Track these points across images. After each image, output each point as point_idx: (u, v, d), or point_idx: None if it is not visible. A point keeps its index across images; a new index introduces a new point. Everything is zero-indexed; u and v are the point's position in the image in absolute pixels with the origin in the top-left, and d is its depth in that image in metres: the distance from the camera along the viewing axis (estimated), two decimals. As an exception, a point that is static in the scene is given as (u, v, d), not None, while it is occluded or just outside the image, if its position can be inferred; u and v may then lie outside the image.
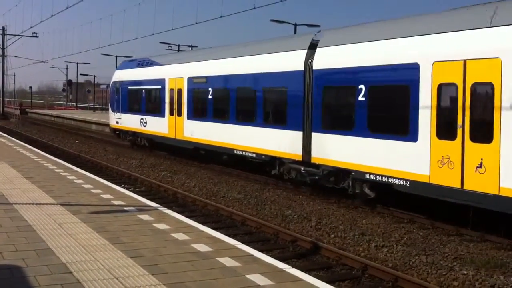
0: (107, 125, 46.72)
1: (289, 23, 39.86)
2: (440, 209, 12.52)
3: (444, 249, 10.37)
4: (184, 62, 22.58)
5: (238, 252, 7.70)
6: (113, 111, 29.06)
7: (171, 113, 22.66)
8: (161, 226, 9.09)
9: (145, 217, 9.74)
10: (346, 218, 12.89)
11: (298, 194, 15.84)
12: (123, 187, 14.50)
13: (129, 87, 26.83)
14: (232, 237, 9.65)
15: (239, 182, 17.95)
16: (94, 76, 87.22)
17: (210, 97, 19.74)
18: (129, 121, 26.85)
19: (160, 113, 23.55)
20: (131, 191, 14.27)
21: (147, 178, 18.72)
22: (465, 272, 8.86)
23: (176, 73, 22.56)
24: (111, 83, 30.00)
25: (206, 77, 20.10)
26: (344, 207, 14.25)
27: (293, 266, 7.99)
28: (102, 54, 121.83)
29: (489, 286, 8.28)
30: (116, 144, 30.78)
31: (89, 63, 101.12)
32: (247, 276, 6.61)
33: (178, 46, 60.36)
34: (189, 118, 21.28)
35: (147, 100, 24.95)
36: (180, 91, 21.94)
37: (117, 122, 28.38)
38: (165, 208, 10.81)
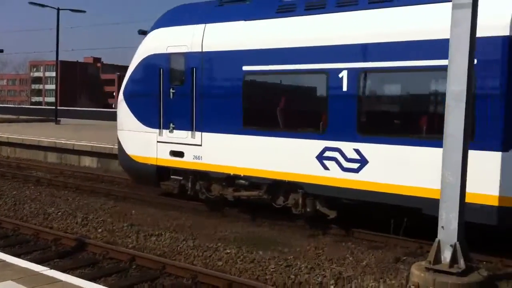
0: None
1: (51, 7, 37.14)
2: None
3: (209, 231, 10.79)
4: None
5: (-15, 259, 6.82)
6: (149, 125, 12.20)
7: None
8: None
9: None
10: (114, 210, 12.53)
11: (63, 190, 14.86)
12: None
13: (251, 69, 10.59)
14: (-19, 244, 8.57)
15: (-7, 181, 16.09)
16: None
17: None
18: (246, 154, 10.68)
19: None
20: None
21: None
22: (229, 251, 9.33)
23: None
24: (139, 60, 12.47)
25: None
26: (113, 199, 13.83)
27: (54, 267, 7.45)
28: None
29: (250, 261, 8.85)
30: None
31: None
32: (-6, 285, 5.87)
33: None
34: None
35: (395, 104, 9.50)
36: None
37: (180, 155, 11.72)
38: None
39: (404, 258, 9.04)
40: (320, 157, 9.73)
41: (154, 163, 12.15)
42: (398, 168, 8.95)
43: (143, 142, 12.30)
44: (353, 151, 9.33)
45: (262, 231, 10.83)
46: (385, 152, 9.06)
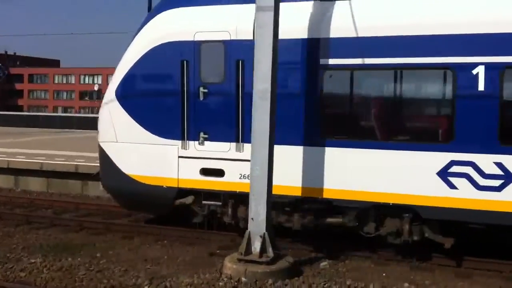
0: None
1: None
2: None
3: (12, 240, 9.84)
4: None
5: None
6: (164, 135, 9.49)
7: None
8: None
9: None
10: None
11: None
12: None
13: (336, 63, 8.46)
14: None
15: None
16: None
17: None
18: (327, 172, 8.55)
19: None
20: None
21: None
22: (33, 261, 8.57)
23: None
24: (145, 49, 9.60)
25: None
26: None
27: None
28: None
29: (57, 269, 8.23)
30: None
31: None
32: None
33: None
34: None
35: None
36: None
37: (217, 174, 9.22)
38: None
39: (218, 251, 9.24)
40: (444, 174, 7.97)
41: (173, 185, 9.41)
42: None
43: (154, 157, 9.49)
44: (494, 165, 7.71)
45: (73, 236, 10.21)
46: None
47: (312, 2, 8.62)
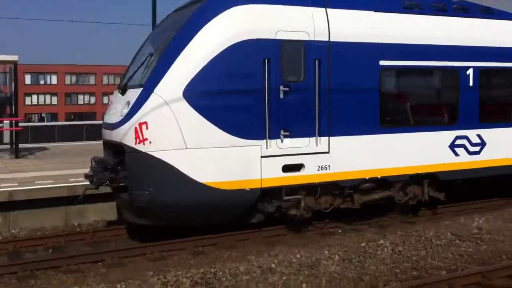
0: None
1: None
2: None
3: None
4: None
5: None
6: (247, 136, 9.37)
7: None
8: None
9: None
10: None
11: None
12: None
13: (389, 64, 10.60)
14: None
15: None
16: None
17: None
18: (383, 154, 10.59)
19: None
20: None
21: None
22: None
23: None
24: (223, 46, 9.20)
25: None
26: None
27: None
28: None
29: None
30: None
31: None
32: None
33: None
34: None
35: None
36: None
37: (296, 169, 9.87)
38: None
39: None
40: (452, 146, 11.17)
41: (256, 186, 9.41)
42: (507, 146, 11.75)
43: (236, 160, 9.26)
44: (476, 136, 11.42)
45: None
46: (498, 134, 11.65)
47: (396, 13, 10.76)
